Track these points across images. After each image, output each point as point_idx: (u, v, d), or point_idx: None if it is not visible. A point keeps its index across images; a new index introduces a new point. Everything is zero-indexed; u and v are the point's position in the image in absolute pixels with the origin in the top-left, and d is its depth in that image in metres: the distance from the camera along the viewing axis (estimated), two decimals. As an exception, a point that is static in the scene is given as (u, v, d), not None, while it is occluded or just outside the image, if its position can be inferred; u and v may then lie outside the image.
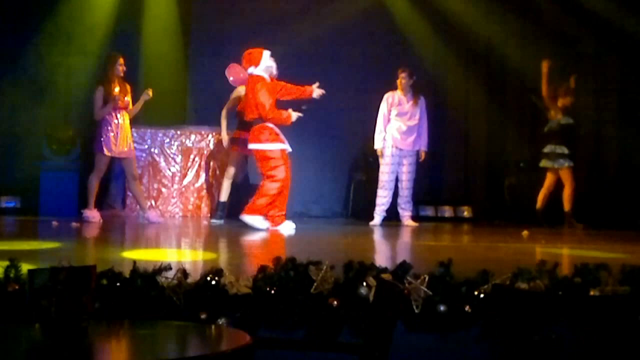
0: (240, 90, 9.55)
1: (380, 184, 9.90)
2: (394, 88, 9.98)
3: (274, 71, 8.74)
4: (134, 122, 9.77)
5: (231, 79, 9.64)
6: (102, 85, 8.96)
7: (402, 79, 9.90)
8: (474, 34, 11.36)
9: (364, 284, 4.15)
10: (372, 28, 11.28)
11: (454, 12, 11.26)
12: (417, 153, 10.08)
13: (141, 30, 10.64)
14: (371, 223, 9.75)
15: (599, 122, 11.42)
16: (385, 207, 9.89)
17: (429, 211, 11.39)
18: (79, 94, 10.21)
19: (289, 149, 8.60)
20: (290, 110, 8.69)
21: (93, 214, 9.07)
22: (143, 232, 8.42)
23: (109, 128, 8.95)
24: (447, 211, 11.36)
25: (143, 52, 10.54)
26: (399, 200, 9.99)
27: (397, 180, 9.99)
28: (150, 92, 9.24)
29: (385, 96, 9.94)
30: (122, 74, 9.18)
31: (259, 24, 10.73)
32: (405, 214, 10.00)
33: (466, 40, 11.43)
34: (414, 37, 11.25)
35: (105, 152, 8.88)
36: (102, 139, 9.02)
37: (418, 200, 11.39)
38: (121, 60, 9.16)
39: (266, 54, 8.67)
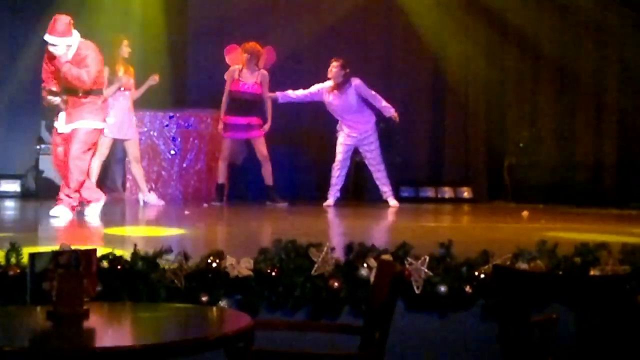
0: (232, 70, 9.48)
1: (334, 164, 9.71)
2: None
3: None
4: (134, 105, 9.75)
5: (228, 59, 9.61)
6: (107, 66, 8.92)
7: (333, 67, 9.39)
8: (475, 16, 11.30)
9: (365, 265, 4.17)
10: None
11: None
12: (375, 133, 9.72)
13: (140, 11, 10.57)
14: (325, 204, 9.55)
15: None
16: (338, 187, 9.72)
17: (429, 192, 11.38)
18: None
19: None
20: None
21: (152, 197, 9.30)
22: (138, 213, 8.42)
23: (112, 110, 8.94)
24: (447, 192, 11.35)
25: (140, 33, 10.47)
26: (377, 183, 9.91)
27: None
28: (156, 78, 9.25)
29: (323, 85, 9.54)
30: (126, 56, 9.16)
31: (257, 4, 10.69)
32: (385, 195, 9.84)
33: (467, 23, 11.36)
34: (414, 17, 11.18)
35: (107, 133, 8.87)
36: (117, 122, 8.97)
37: (418, 181, 11.41)
38: (126, 42, 9.14)
39: None
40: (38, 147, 10.08)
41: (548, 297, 3.41)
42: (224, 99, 9.50)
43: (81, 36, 7.36)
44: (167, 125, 10.23)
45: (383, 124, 10.10)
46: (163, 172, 10.14)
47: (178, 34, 10.84)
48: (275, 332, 3.81)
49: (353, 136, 9.62)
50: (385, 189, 9.77)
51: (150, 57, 10.39)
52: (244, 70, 9.47)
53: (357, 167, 11.00)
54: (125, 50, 9.10)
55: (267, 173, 9.52)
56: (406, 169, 11.23)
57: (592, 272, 4.36)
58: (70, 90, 7.27)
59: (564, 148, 11.40)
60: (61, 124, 7.33)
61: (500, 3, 11.13)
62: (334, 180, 9.65)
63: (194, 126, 10.30)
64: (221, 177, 9.55)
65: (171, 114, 10.27)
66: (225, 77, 9.53)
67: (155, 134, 10.17)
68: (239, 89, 9.47)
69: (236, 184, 10.06)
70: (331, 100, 9.50)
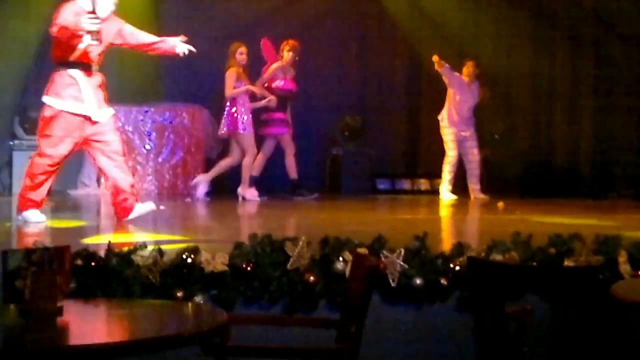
0: (276, 67, 9.69)
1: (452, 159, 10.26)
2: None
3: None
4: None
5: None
6: (233, 67, 9.26)
7: (472, 66, 10.02)
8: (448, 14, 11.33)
9: (340, 259, 4.17)
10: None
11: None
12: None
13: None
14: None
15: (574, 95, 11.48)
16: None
17: (405, 184, 11.43)
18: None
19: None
20: None
21: (252, 193, 9.39)
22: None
23: (242, 109, 9.25)
24: (423, 184, 11.39)
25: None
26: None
27: None
28: (274, 102, 9.55)
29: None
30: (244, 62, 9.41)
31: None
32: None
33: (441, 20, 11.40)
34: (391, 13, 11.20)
35: (248, 131, 9.23)
36: (241, 118, 9.25)
37: (395, 173, 11.44)
38: (243, 49, 9.36)
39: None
40: (12, 142, 9.99)
41: (522, 288, 3.43)
42: (262, 94, 9.57)
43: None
44: (142, 120, 10.18)
45: None
46: (138, 167, 10.08)
47: (152, 27, 10.75)
48: (251, 327, 3.81)
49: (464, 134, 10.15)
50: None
51: (123, 51, 10.31)
52: (285, 67, 9.71)
53: (333, 160, 11.03)
54: (239, 57, 9.34)
55: (293, 167, 9.75)
56: (382, 161, 11.27)
57: (566, 263, 4.40)
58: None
59: (539, 139, 11.47)
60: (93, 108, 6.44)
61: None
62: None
63: (169, 121, 10.26)
64: (257, 170, 9.62)
65: (146, 109, 10.22)
66: (268, 73, 9.68)
67: (130, 128, 10.11)
68: (283, 86, 9.74)
69: (219, 180, 9.98)
70: (466, 96, 10.01)
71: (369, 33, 11.26)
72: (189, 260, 4.01)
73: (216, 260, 4.03)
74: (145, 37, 6.74)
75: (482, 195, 10.10)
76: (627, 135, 11.04)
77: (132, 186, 6.65)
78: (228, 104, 9.33)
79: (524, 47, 11.37)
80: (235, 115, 9.28)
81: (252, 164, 9.43)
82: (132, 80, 10.20)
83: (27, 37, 9.87)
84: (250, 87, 9.43)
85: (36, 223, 6.34)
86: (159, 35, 6.98)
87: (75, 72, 6.32)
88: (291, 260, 4.12)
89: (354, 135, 11.14)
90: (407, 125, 11.66)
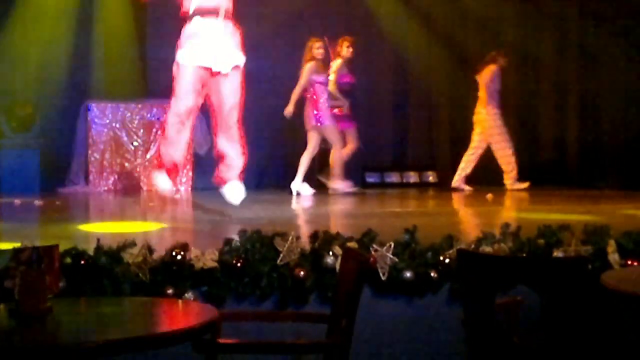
0: (340, 63, 9.91)
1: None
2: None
3: None
4: (93, 97, 9.71)
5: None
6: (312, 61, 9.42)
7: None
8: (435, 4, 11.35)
9: (330, 253, 4.17)
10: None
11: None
12: None
13: (85, 3, 10.39)
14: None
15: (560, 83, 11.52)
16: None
17: (394, 177, 11.43)
18: (37, 68, 10.02)
19: None
20: None
21: (343, 185, 9.67)
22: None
23: (326, 103, 9.44)
24: (413, 177, 11.40)
25: (100, 24, 10.35)
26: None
27: None
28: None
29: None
30: (319, 57, 9.51)
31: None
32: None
33: (427, 10, 11.40)
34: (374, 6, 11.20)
35: (333, 123, 9.45)
36: (326, 112, 9.45)
37: (383, 167, 11.44)
38: (320, 44, 9.53)
39: None
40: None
41: (512, 280, 3.44)
42: (334, 91, 9.77)
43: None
44: (129, 117, 10.14)
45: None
46: (126, 164, 10.05)
47: (139, 23, 10.71)
48: (242, 322, 3.81)
49: None
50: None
51: (110, 48, 10.29)
52: (346, 62, 9.94)
53: (322, 154, 11.01)
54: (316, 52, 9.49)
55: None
56: (371, 154, 11.25)
57: (555, 254, 4.41)
58: None
59: (527, 130, 11.49)
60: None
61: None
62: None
63: (157, 117, 10.21)
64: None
65: (133, 105, 10.17)
66: (335, 70, 9.82)
67: (118, 125, 10.07)
68: (348, 80, 9.99)
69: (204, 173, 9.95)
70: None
71: (355, 30, 11.23)
72: (179, 257, 3.99)
73: (206, 257, 4.02)
74: None
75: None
76: (615, 124, 11.06)
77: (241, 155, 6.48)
78: (313, 97, 9.47)
79: (511, 39, 11.39)
80: (320, 108, 9.47)
81: (342, 155, 9.69)
82: (118, 76, 10.16)
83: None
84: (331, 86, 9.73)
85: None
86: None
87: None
88: (281, 255, 4.11)
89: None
90: (395, 118, 11.65)
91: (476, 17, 11.41)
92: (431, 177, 11.44)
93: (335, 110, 9.87)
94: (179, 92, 6.25)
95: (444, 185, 10.89)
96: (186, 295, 3.90)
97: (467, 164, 10.30)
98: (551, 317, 3.28)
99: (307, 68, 9.42)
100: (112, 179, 9.86)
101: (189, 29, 6.22)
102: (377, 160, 11.44)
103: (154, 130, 10.16)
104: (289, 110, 9.46)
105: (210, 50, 6.16)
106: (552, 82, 11.56)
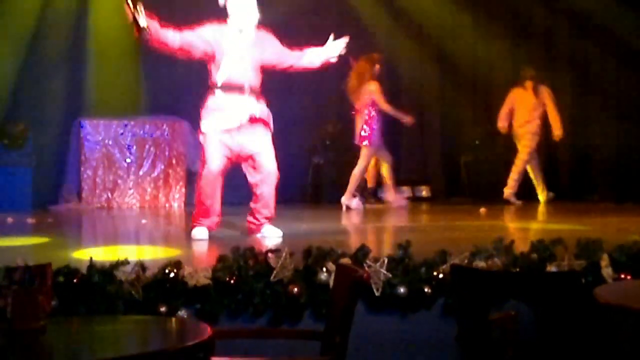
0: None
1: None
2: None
3: None
4: (86, 114, 9.70)
5: None
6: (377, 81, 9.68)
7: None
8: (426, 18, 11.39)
9: (324, 269, 4.17)
10: (327, 15, 11.23)
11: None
12: None
13: (93, 19, 10.41)
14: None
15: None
16: None
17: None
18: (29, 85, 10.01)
19: None
20: None
21: (397, 198, 10.05)
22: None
23: (374, 123, 9.70)
24: (406, 191, 11.40)
25: (94, 40, 10.36)
26: None
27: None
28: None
29: None
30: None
31: (210, 7, 10.61)
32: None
33: (419, 23, 11.44)
34: (367, 19, 11.23)
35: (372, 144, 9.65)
36: (371, 133, 9.68)
37: (377, 181, 11.44)
38: (378, 65, 9.84)
39: None
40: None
41: (506, 295, 3.44)
42: (389, 110, 9.91)
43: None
44: (122, 134, 10.14)
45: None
46: (119, 181, 10.05)
47: (131, 40, 10.70)
48: (236, 340, 3.79)
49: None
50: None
51: (102, 65, 10.29)
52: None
53: (315, 169, 11.03)
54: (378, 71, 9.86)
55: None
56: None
57: (548, 268, 4.41)
58: None
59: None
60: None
61: (450, 4, 11.26)
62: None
63: (150, 133, 10.23)
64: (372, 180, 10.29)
65: (126, 122, 10.18)
66: (378, 90, 9.84)
67: (110, 142, 10.07)
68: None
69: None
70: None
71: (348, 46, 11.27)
72: (172, 274, 3.99)
73: (199, 274, 4.01)
74: (302, 55, 6.65)
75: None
76: (606, 137, 11.11)
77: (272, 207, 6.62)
78: (370, 115, 9.73)
79: (502, 53, 11.44)
80: (374, 128, 9.76)
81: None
82: (111, 93, 10.16)
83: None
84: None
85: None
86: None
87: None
88: (274, 272, 4.11)
89: (335, 144, 11.15)
90: (387, 133, 11.66)
91: (468, 32, 11.46)
92: (424, 192, 11.45)
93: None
94: (208, 158, 6.39)
95: (436, 200, 10.90)
96: (179, 312, 3.89)
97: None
98: (545, 332, 3.28)
99: (377, 88, 9.71)
100: (105, 196, 9.85)
101: (212, 102, 6.42)
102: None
103: (147, 146, 10.16)
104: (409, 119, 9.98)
105: (232, 117, 6.36)
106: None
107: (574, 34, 11.30)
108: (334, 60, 6.67)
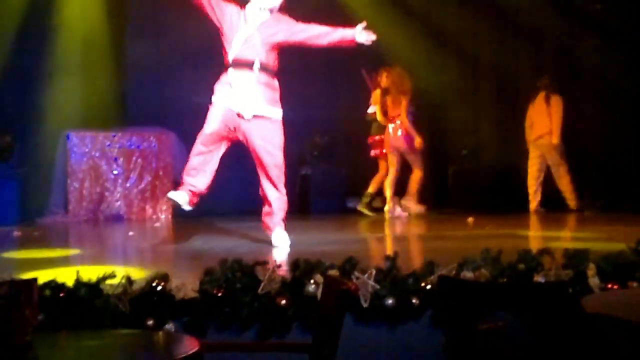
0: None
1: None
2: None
3: None
4: (72, 126, 9.69)
5: None
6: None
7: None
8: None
9: (311, 281, 4.16)
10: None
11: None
12: None
13: (80, 30, 10.37)
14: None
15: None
16: None
17: (374, 203, 11.43)
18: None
19: None
20: None
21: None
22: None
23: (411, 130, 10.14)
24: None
25: (80, 53, 10.34)
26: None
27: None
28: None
29: None
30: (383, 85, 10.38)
31: (196, 20, 10.62)
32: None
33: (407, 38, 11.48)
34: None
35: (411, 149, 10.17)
36: (408, 139, 10.16)
37: (364, 192, 11.45)
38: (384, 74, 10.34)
39: None
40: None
41: (493, 306, 3.44)
42: (382, 120, 10.44)
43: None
44: (108, 145, 10.11)
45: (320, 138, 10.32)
46: (106, 193, 10.01)
47: (118, 52, 10.71)
48: (224, 353, 3.78)
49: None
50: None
51: (89, 78, 10.27)
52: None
53: (303, 180, 11.03)
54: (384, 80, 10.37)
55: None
56: (352, 180, 11.28)
57: (536, 278, 4.42)
58: None
59: (506, 154, 11.55)
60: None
61: (439, 12, 11.28)
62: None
63: (137, 145, 10.21)
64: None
65: (113, 134, 10.15)
66: (408, 101, 10.27)
67: (97, 154, 10.04)
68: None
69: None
70: None
71: (335, 54, 11.28)
72: (159, 287, 3.97)
73: (187, 287, 4.00)
74: (316, 29, 6.69)
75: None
76: (594, 146, 11.15)
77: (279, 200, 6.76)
78: (408, 122, 10.18)
79: (488, 61, 11.49)
80: (411, 135, 10.19)
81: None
82: (97, 105, 10.15)
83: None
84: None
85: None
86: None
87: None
88: (262, 284, 4.10)
89: (323, 155, 11.17)
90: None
91: (453, 40, 11.48)
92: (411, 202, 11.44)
93: (377, 138, 10.51)
94: (207, 120, 6.60)
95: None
96: (167, 326, 3.87)
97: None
98: (533, 342, 3.28)
99: (408, 99, 10.14)
100: (91, 208, 9.81)
101: (224, 78, 6.64)
102: (358, 185, 11.45)
103: (134, 158, 10.14)
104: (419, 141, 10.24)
105: (239, 97, 6.53)
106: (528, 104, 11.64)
107: (562, 41, 11.33)
108: (368, 42, 6.66)
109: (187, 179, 6.59)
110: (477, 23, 11.58)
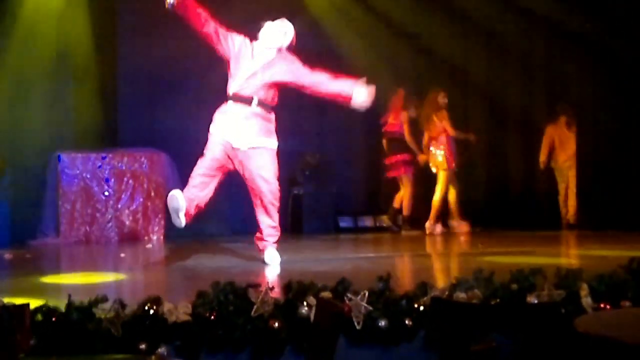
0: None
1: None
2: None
3: None
4: (63, 147, 9.68)
5: None
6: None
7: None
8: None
9: (304, 303, 4.15)
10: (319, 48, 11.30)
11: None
12: None
13: (70, 51, 10.36)
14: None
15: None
16: None
17: (367, 222, 11.45)
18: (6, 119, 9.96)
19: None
20: None
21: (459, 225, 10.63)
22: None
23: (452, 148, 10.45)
24: (386, 221, 11.42)
25: (71, 75, 10.34)
26: None
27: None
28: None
29: None
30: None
31: (187, 43, 10.65)
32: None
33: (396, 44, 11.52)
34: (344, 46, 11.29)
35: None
36: (451, 158, 10.49)
37: (357, 211, 11.46)
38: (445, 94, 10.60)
39: None
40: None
41: (487, 327, 3.44)
42: (410, 139, 10.72)
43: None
44: (99, 167, 10.08)
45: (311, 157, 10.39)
46: (97, 215, 9.98)
47: (108, 74, 10.71)
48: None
49: None
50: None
51: (80, 98, 10.27)
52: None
53: (295, 200, 11.03)
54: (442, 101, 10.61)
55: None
56: (344, 199, 11.29)
57: (528, 299, 4.42)
58: None
59: (497, 171, 11.59)
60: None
61: (428, 31, 11.33)
62: None
63: (128, 166, 10.18)
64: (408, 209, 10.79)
65: (103, 155, 10.13)
66: (447, 118, 10.54)
67: (88, 175, 10.01)
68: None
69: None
70: None
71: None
72: (152, 311, 3.95)
73: (179, 310, 3.98)
74: (318, 76, 6.76)
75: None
76: (584, 164, 11.19)
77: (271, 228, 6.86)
78: (449, 140, 10.50)
79: (479, 77, 11.55)
80: (452, 153, 10.53)
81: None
82: (88, 126, 10.14)
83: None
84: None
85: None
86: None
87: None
88: (255, 307, 4.09)
89: (314, 174, 11.17)
90: (368, 163, 11.71)
91: (443, 59, 11.53)
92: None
93: (399, 157, 10.67)
94: (207, 147, 6.72)
95: (417, 228, 10.92)
96: (160, 349, 3.85)
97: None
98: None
99: (447, 117, 10.46)
100: (83, 229, 9.79)
101: (223, 108, 6.77)
102: (351, 204, 11.47)
103: (125, 179, 10.12)
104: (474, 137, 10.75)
105: (235, 129, 6.66)
106: (520, 122, 11.70)
107: (551, 55, 11.39)
108: (362, 108, 6.86)
109: (188, 188, 6.64)
110: (467, 42, 11.63)
